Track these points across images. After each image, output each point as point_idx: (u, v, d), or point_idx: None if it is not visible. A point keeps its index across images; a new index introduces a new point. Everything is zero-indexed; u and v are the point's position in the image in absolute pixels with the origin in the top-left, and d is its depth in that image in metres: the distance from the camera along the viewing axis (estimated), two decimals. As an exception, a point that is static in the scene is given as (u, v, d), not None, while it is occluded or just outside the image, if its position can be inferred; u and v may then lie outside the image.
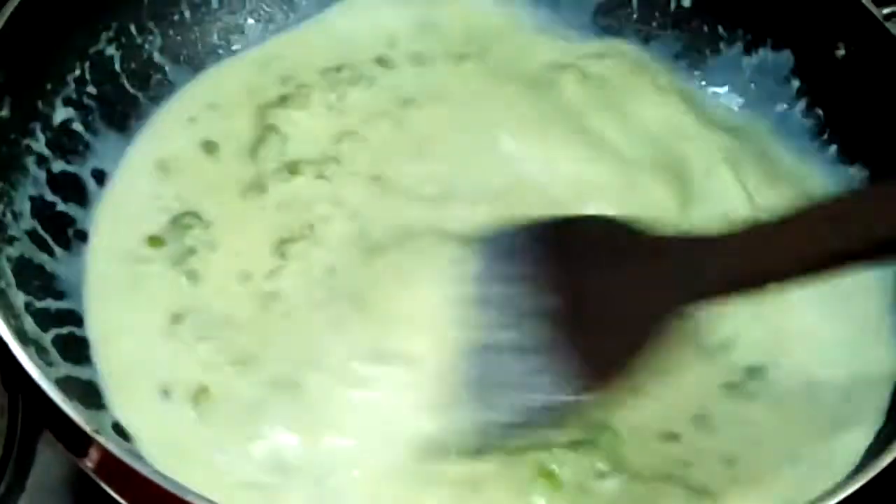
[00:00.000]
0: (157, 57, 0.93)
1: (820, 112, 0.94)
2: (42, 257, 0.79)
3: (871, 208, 0.65)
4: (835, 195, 0.76)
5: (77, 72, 0.87)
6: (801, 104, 0.95)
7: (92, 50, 0.88)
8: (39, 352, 0.70)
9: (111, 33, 0.89)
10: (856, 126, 0.91)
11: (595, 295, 0.71)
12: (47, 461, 0.79)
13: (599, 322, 0.70)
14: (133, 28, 0.91)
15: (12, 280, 0.74)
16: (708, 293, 0.68)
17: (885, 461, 0.68)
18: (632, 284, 0.70)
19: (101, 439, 0.64)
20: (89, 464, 0.66)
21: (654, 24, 1.01)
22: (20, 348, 0.67)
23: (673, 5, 1.00)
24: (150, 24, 0.92)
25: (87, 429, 0.64)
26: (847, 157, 0.92)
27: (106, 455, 0.64)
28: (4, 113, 0.79)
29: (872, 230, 0.64)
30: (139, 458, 0.65)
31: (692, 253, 0.70)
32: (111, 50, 0.89)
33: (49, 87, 0.84)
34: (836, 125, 0.93)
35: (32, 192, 0.81)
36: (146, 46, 0.92)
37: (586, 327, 0.70)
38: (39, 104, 0.83)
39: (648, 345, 0.68)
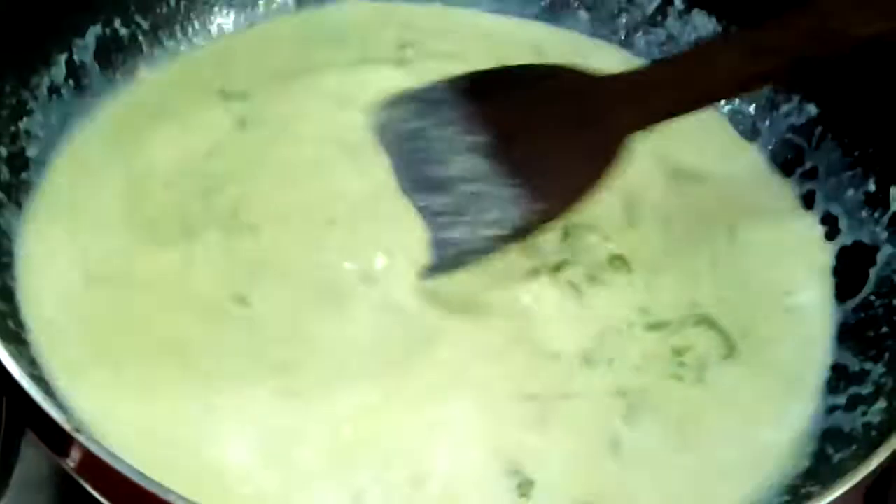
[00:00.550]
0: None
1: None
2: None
3: (778, 36, 0.78)
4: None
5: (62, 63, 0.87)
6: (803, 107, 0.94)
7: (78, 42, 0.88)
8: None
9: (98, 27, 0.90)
10: (858, 128, 0.90)
11: (536, 130, 0.80)
12: (31, 460, 0.79)
13: (545, 153, 0.79)
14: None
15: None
16: (647, 121, 0.80)
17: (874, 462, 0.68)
18: (575, 119, 0.80)
19: (81, 438, 0.63)
20: (70, 463, 0.66)
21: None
22: (1, 347, 0.66)
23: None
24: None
25: (68, 428, 0.64)
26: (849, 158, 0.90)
27: (87, 454, 0.64)
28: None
29: (782, 54, 0.78)
30: (119, 457, 0.65)
31: (627, 87, 0.81)
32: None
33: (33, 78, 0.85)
34: (837, 128, 0.92)
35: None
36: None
37: (531, 159, 0.79)
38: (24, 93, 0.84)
39: (599, 171, 0.78)
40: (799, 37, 0.78)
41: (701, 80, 0.80)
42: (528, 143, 0.80)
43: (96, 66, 0.90)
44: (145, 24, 0.93)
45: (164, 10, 0.95)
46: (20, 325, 0.74)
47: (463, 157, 0.80)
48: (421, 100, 0.85)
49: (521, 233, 0.79)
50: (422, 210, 0.80)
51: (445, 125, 0.82)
